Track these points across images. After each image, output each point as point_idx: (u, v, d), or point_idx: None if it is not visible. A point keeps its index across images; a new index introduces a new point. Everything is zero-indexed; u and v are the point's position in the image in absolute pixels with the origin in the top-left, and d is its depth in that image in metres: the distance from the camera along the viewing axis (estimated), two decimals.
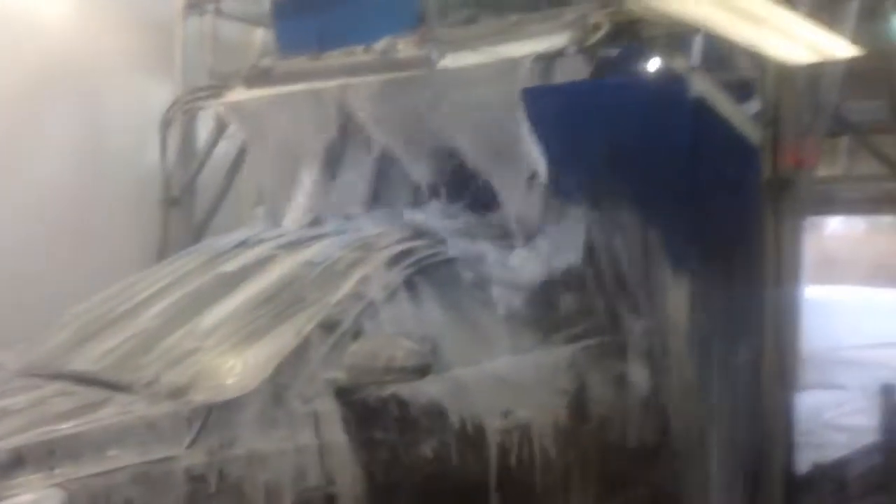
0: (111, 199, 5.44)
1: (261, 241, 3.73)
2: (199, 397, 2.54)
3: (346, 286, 3.05)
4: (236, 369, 2.70)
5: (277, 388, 2.61)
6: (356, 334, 2.86)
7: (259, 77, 4.48)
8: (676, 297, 3.70)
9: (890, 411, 3.95)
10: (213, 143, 5.37)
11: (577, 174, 3.73)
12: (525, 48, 3.70)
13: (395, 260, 3.24)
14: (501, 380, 3.20)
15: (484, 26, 4.08)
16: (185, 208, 5.46)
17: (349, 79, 4.22)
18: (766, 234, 3.43)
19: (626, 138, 3.58)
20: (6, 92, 5.03)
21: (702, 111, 3.48)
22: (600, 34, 3.49)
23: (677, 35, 3.50)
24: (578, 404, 3.41)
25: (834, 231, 11.71)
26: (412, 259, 3.27)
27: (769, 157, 3.36)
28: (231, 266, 3.50)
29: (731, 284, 3.78)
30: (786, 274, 3.46)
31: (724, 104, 3.47)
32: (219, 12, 5.34)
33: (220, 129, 5.24)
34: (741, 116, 3.44)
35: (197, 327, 3.01)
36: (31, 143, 5.18)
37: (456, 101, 3.95)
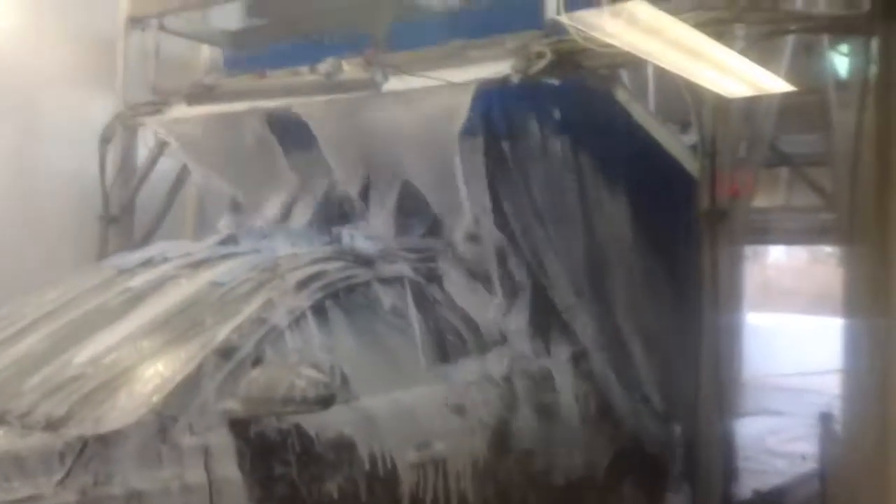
0: (48, 215, 5.30)
1: (166, 260, 3.50)
2: (76, 430, 2.31)
3: (248, 310, 2.84)
4: (118, 399, 2.46)
5: (163, 419, 2.39)
6: (256, 362, 2.65)
7: (202, 94, 4.40)
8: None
9: (828, 438, 4.00)
10: (154, 159, 5.27)
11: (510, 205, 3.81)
12: (469, 74, 3.70)
13: (305, 283, 3.04)
14: (416, 410, 3.03)
15: (429, 51, 4.07)
16: (124, 225, 5.33)
17: (293, 98, 4.18)
18: (703, 262, 3.47)
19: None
20: None
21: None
22: (542, 63, 3.50)
23: (618, 66, 3.53)
24: (500, 436, 3.31)
25: (776, 260, 12.01)
26: (323, 282, 3.09)
27: (706, 188, 3.40)
28: (129, 286, 3.25)
29: (665, 311, 3.83)
30: (723, 301, 3.50)
31: (664, 136, 3.52)
32: (162, 28, 5.26)
33: (161, 145, 5.14)
34: (678, 146, 3.48)
35: (83, 352, 2.75)
36: None
37: (400, 123, 3.95)
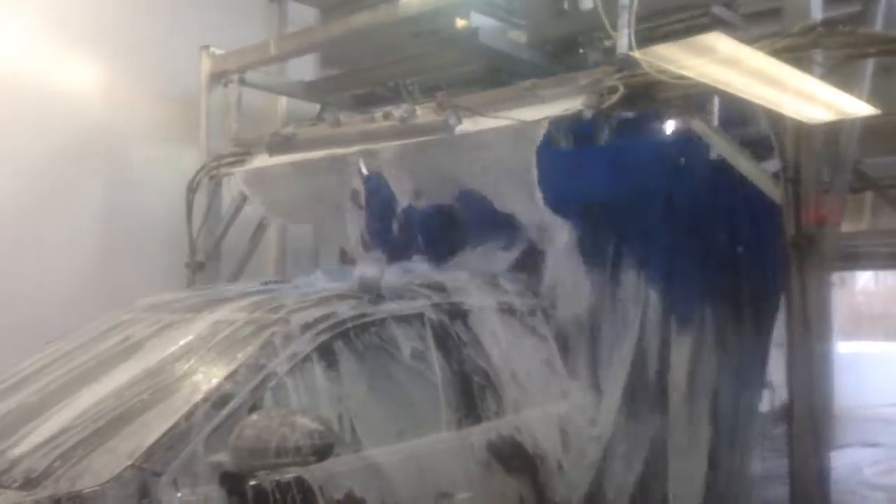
0: (139, 263, 5.54)
1: (173, 303, 3.35)
2: (51, 488, 2.18)
3: (244, 355, 2.64)
4: (98, 454, 2.30)
5: (145, 475, 2.22)
6: (252, 411, 2.46)
7: (282, 144, 4.57)
8: (677, 355, 3.64)
9: None
10: (238, 207, 5.47)
11: (590, 234, 3.75)
12: (540, 112, 3.74)
13: (310, 324, 2.82)
14: (434, 460, 2.81)
15: (500, 92, 4.14)
16: (210, 271, 5.53)
17: (369, 144, 4.30)
18: (792, 290, 3.39)
19: (642, 198, 3.61)
20: (41, 159, 5.22)
21: (720, 171, 3.50)
22: (615, 98, 3.52)
23: (693, 97, 3.52)
24: (536, 484, 3.10)
25: (865, 286, 11.55)
26: (330, 322, 2.86)
27: (791, 215, 3.33)
28: (129, 333, 3.11)
29: (752, 341, 3.74)
30: (814, 330, 3.40)
31: (743, 163, 3.48)
32: (242, 82, 5.49)
33: (244, 194, 5.34)
34: (761, 175, 3.43)
35: (72, 406, 2.61)
36: (63, 208, 5.34)
37: (474, 163, 4.01)
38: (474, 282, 3.56)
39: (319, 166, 4.59)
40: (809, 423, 3.33)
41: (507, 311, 3.55)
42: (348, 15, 4.92)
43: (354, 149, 4.40)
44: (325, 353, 2.78)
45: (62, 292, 5.11)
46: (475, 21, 4.44)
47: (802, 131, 3.26)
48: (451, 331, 3.24)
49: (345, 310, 2.96)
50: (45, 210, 5.21)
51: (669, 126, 4.08)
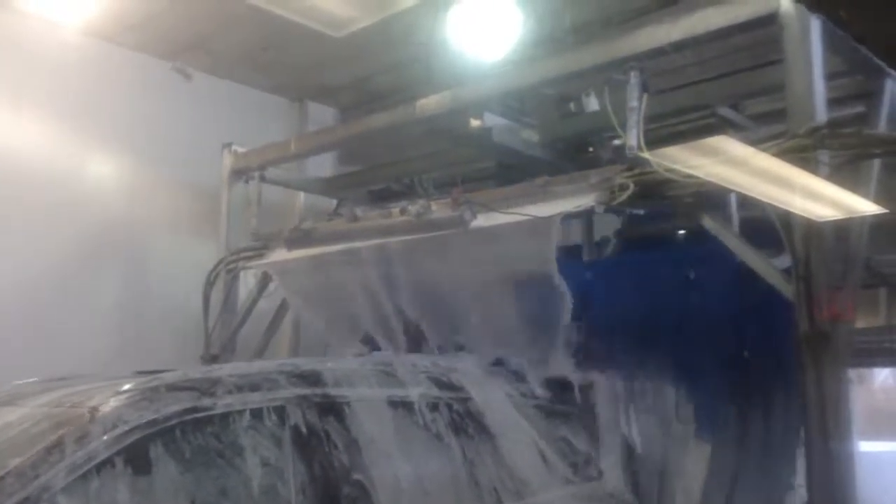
0: (154, 355, 5.54)
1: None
2: None
3: (17, 461, 2.09)
4: None
5: None
6: None
7: (300, 239, 4.65)
8: (693, 462, 3.61)
9: None
10: (254, 301, 5.52)
11: (612, 341, 3.77)
12: (553, 208, 3.82)
13: (117, 421, 2.27)
14: None
15: (514, 188, 4.23)
16: (225, 364, 5.53)
17: (385, 239, 4.38)
18: (808, 388, 3.36)
19: (668, 308, 3.65)
20: (61, 249, 5.35)
21: (745, 278, 3.55)
22: (626, 195, 3.59)
23: (703, 195, 3.59)
24: None
25: (884, 384, 11.33)
26: (145, 419, 2.31)
27: (804, 312, 3.34)
28: None
29: (779, 441, 3.69)
30: (832, 428, 3.35)
31: (755, 261, 3.51)
32: (263, 179, 5.64)
33: (261, 287, 5.40)
34: (773, 272, 3.46)
35: None
36: (81, 299, 5.43)
37: (488, 257, 4.07)
38: (363, 370, 3.10)
39: (336, 260, 4.66)
40: None
41: (401, 404, 3.05)
42: (365, 115, 5.10)
43: (371, 243, 4.48)
44: (135, 459, 2.24)
45: None
46: (489, 121, 4.59)
47: (812, 229, 3.29)
48: (318, 430, 2.68)
49: (170, 403, 2.41)
50: (62, 300, 5.30)
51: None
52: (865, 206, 3.26)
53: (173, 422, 2.39)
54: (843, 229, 3.52)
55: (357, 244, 4.54)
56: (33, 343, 5.07)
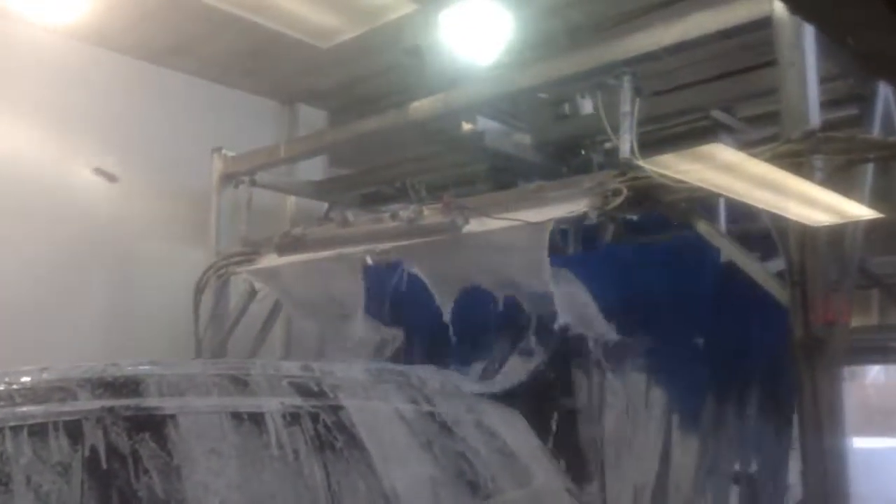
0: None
1: None
2: None
3: None
4: None
5: None
6: None
7: (291, 244, 4.62)
8: (682, 456, 3.60)
9: None
10: (245, 306, 5.48)
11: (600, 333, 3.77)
12: (546, 213, 3.80)
13: None
14: None
15: (506, 193, 4.21)
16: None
17: (376, 245, 4.35)
18: (804, 391, 3.35)
19: (651, 302, 3.63)
20: (49, 254, 5.28)
21: (729, 274, 3.53)
22: (619, 200, 3.57)
23: (696, 199, 3.58)
24: None
25: (875, 380, 11.38)
26: None
27: (799, 316, 3.33)
28: None
29: (763, 441, 3.69)
30: (826, 428, 3.35)
31: (749, 265, 3.50)
32: (253, 183, 5.59)
33: (252, 292, 5.36)
34: (767, 277, 3.45)
35: None
36: (69, 303, 5.36)
37: (481, 262, 4.05)
38: (203, 377, 2.59)
39: (326, 266, 4.63)
40: None
41: (247, 417, 2.53)
42: (356, 118, 5.06)
43: (361, 248, 4.45)
44: None
45: None
46: (481, 124, 4.57)
47: (806, 234, 3.28)
48: (125, 451, 2.16)
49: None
50: (51, 305, 5.23)
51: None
52: (860, 211, 3.25)
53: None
54: (837, 233, 3.51)
55: (348, 249, 4.51)
56: (20, 347, 4.99)
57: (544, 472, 3.43)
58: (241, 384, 2.62)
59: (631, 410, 3.77)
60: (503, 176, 4.88)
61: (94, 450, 2.11)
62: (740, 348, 3.90)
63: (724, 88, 4.55)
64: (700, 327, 3.76)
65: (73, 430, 2.10)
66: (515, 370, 3.83)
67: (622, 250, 4.15)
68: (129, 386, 2.35)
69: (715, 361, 3.79)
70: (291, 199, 6.17)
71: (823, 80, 3.43)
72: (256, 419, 2.51)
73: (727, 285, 3.66)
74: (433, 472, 2.91)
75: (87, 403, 2.22)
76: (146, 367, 2.52)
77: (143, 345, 5.52)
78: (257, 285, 5.21)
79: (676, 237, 4.06)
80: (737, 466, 3.94)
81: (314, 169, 6.39)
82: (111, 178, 5.56)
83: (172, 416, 2.32)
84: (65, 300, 5.35)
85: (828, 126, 3.35)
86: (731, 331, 3.81)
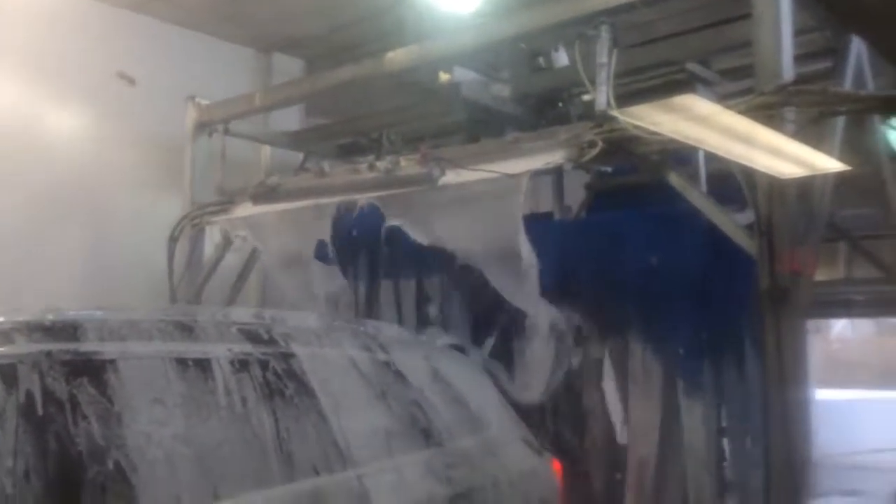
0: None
1: None
2: None
3: None
4: None
5: None
6: None
7: (266, 194, 4.61)
8: (691, 421, 3.71)
9: None
10: (220, 256, 5.47)
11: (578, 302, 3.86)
12: (522, 165, 3.82)
13: None
14: None
15: (483, 145, 4.21)
16: None
17: (352, 195, 4.35)
18: (767, 341, 3.44)
19: (637, 267, 3.71)
20: (22, 204, 5.22)
21: (710, 238, 3.60)
22: (594, 152, 3.60)
23: (672, 151, 3.62)
24: None
25: (841, 333, 11.68)
26: None
27: (766, 267, 3.40)
28: None
29: (739, 395, 3.80)
30: (790, 379, 3.45)
31: (718, 216, 3.56)
32: (227, 132, 5.54)
33: (227, 242, 5.35)
34: (736, 228, 3.51)
35: None
36: (43, 254, 5.31)
37: (458, 214, 4.07)
38: (146, 323, 2.46)
39: (302, 215, 4.64)
40: (787, 471, 3.36)
41: (192, 363, 2.44)
42: (333, 67, 5.01)
43: (337, 199, 4.45)
44: None
45: None
46: (458, 75, 4.54)
47: (775, 186, 3.34)
48: (63, 396, 2.09)
49: None
50: (24, 252, 5.19)
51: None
52: (829, 164, 3.30)
53: None
54: (806, 186, 3.57)
55: (324, 200, 4.51)
56: None
57: (499, 421, 3.50)
58: (186, 330, 2.53)
59: (631, 382, 3.89)
60: (480, 128, 4.88)
61: (29, 395, 2.05)
62: (731, 306, 3.99)
63: (701, 41, 4.55)
64: (691, 291, 3.85)
65: (8, 374, 2.04)
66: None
67: (607, 217, 4.20)
68: (67, 330, 2.26)
69: (710, 322, 3.89)
70: (267, 150, 6.13)
71: (798, 33, 3.45)
72: (202, 365, 2.45)
73: (714, 247, 3.73)
74: (385, 421, 2.91)
75: (23, 347, 2.13)
76: (87, 312, 2.42)
77: (118, 295, 5.52)
78: (233, 235, 5.20)
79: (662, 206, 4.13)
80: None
81: (290, 119, 6.34)
82: (131, 81, 5.62)
83: (112, 361, 2.25)
84: (40, 250, 5.31)
85: (801, 80, 3.38)
86: (721, 290, 3.89)
